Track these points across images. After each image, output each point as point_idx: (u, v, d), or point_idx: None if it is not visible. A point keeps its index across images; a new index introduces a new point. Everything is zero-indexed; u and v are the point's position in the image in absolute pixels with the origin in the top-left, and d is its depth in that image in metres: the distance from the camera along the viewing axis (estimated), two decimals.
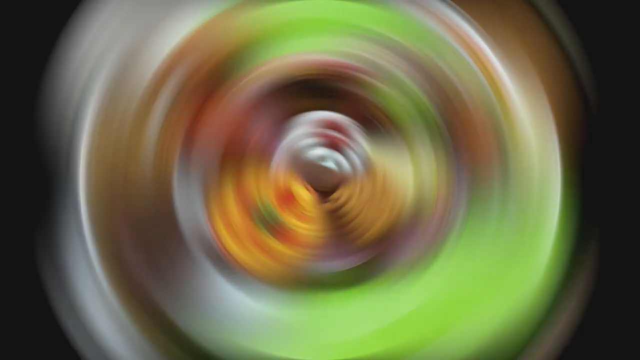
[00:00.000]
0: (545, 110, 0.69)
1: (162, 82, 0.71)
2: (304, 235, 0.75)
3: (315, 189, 0.76)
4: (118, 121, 0.70)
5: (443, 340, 0.69)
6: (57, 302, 0.68)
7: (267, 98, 0.73)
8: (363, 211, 0.75)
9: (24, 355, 0.70)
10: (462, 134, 0.71)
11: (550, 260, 0.68)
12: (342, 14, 0.72)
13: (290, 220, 0.75)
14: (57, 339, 0.68)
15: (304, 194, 0.76)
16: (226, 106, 0.73)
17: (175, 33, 0.70)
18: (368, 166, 0.75)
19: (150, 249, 0.70)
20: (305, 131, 0.75)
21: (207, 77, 0.72)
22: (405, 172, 0.74)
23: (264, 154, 0.75)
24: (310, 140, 0.76)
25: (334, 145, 0.76)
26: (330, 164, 0.76)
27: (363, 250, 0.74)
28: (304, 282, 0.73)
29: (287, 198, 0.75)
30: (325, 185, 0.76)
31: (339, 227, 0.75)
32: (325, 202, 0.76)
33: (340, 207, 0.75)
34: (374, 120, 0.74)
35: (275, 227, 0.75)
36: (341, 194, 0.75)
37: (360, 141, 0.75)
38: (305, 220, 0.75)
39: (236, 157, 0.74)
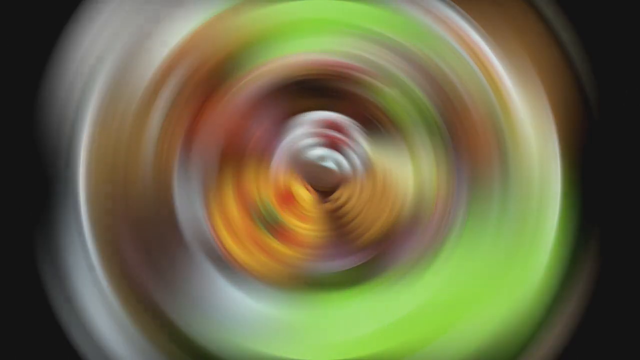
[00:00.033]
0: (545, 110, 0.69)
1: (162, 82, 0.71)
2: (304, 235, 0.75)
3: (315, 189, 0.76)
4: (118, 121, 0.70)
5: (443, 340, 0.69)
6: (57, 302, 0.68)
7: (267, 98, 0.73)
8: (363, 211, 0.75)
9: (24, 355, 0.70)
10: (462, 134, 0.71)
11: (550, 260, 0.68)
12: (342, 14, 0.72)
13: (290, 220, 0.75)
14: (57, 339, 0.68)
15: (304, 194, 0.76)
16: (226, 106, 0.73)
17: (175, 33, 0.70)
18: (368, 166, 0.75)
19: (150, 249, 0.70)
20: (305, 131, 0.75)
21: (207, 77, 0.72)
22: (405, 172, 0.74)
23: (264, 154, 0.75)
24: (310, 140, 0.76)
25: (334, 145, 0.76)
26: (330, 164, 0.76)
27: (363, 250, 0.74)
28: (304, 282, 0.73)
29: (287, 198, 0.75)
30: (325, 185, 0.76)
31: (339, 227, 0.75)
32: (325, 202, 0.76)
33: (340, 207, 0.75)
34: (374, 120, 0.74)
35: (275, 227, 0.75)
36: (341, 194, 0.75)
37: (360, 141, 0.75)
38: (305, 220, 0.75)
39: (236, 157, 0.74)
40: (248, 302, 0.71)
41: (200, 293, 0.70)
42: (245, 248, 0.73)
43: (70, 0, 0.69)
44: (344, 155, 0.76)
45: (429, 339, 0.69)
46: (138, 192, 0.70)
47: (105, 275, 0.69)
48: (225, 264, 0.72)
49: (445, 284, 0.70)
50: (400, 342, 0.69)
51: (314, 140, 0.76)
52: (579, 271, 0.68)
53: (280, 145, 0.75)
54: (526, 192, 0.69)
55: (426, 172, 0.73)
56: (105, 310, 0.68)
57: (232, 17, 0.71)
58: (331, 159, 0.76)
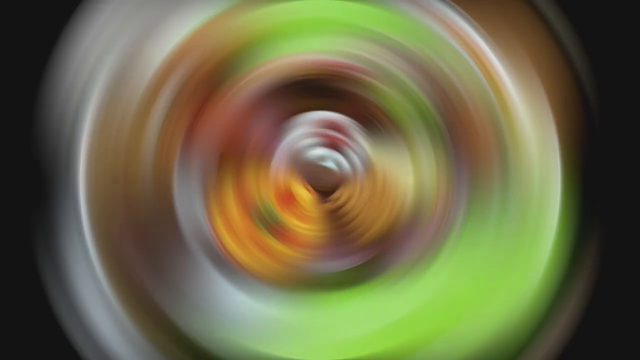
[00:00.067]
0: (545, 110, 0.69)
1: (162, 82, 0.71)
2: (304, 235, 0.75)
3: (315, 189, 0.76)
4: (118, 121, 0.70)
5: (443, 340, 0.69)
6: (57, 302, 0.68)
7: (267, 98, 0.73)
8: (363, 211, 0.75)
9: (24, 355, 0.70)
10: (462, 134, 0.71)
11: (550, 260, 0.68)
12: (342, 14, 0.72)
13: (290, 220, 0.75)
14: (57, 339, 0.68)
15: (304, 194, 0.76)
16: (226, 106, 0.73)
17: (175, 33, 0.70)
18: (368, 166, 0.75)
19: (150, 249, 0.70)
20: (305, 131, 0.75)
21: (207, 77, 0.72)
22: (405, 172, 0.74)
23: (264, 154, 0.75)
24: (310, 140, 0.76)
25: (334, 145, 0.76)
26: (330, 164, 0.76)
27: (363, 250, 0.74)
28: (304, 282, 0.73)
29: (287, 198, 0.75)
30: (325, 185, 0.76)
31: (339, 227, 0.75)
32: (325, 202, 0.76)
33: (340, 207, 0.75)
34: (374, 120, 0.74)
35: (275, 227, 0.75)
36: (341, 194, 0.75)
37: (360, 141, 0.75)
38: (305, 220, 0.75)
39: (236, 157, 0.74)
40: (248, 302, 0.71)
41: (200, 293, 0.70)
42: (245, 248, 0.73)
43: (70, 0, 0.69)
44: (344, 155, 0.76)
45: (429, 339, 0.69)
46: (138, 192, 0.70)
47: (105, 275, 0.69)
48: (225, 264, 0.72)
49: (445, 284, 0.70)
50: (400, 342, 0.69)
51: (314, 140, 0.76)
52: (579, 271, 0.68)
53: (280, 145, 0.75)
54: (526, 192, 0.69)
55: (426, 172, 0.73)
56: (105, 310, 0.68)
57: (232, 17, 0.71)
58: (331, 159, 0.76)
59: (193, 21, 0.71)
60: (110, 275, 0.69)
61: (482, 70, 0.70)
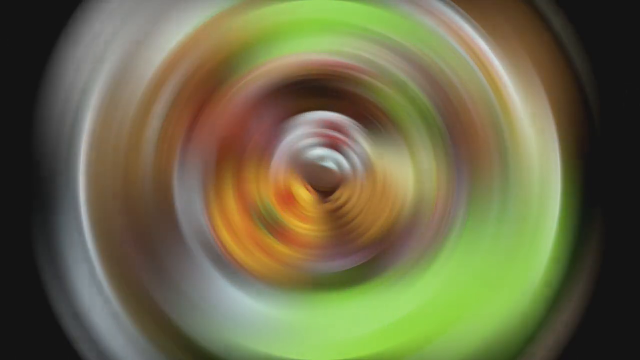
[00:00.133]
0: (545, 110, 0.69)
1: (162, 82, 0.71)
2: (304, 235, 0.75)
3: (315, 189, 0.76)
4: (118, 121, 0.70)
5: (443, 340, 0.69)
6: (57, 302, 0.68)
7: (267, 98, 0.73)
8: (363, 211, 0.75)
9: (24, 355, 0.70)
10: (462, 134, 0.71)
11: (550, 260, 0.68)
12: (342, 14, 0.72)
13: (290, 220, 0.75)
14: (57, 339, 0.68)
15: (304, 194, 0.76)
16: (226, 106, 0.73)
17: (175, 33, 0.70)
18: (368, 166, 0.75)
19: (150, 249, 0.70)
20: (305, 131, 0.75)
21: (207, 77, 0.72)
22: (405, 172, 0.74)
23: (264, 154, 0.75)
24: (310, 140, 0.76)
25: (334, 145, 0.76)
26: (330, 164, 0.76)
27: (363, 250, 0.74)
28: (304, 282, 0.73)
29: (287, 198, 0.75)
30: (325, 185, 0.76)
31: (339, 227, 0.75)
32: (325, 202, 0.76)
33: (340, 207, 0.75)
34: (374, 120, 0.74)
35: (275, 227, 0.75)
36: (341, 194, 0.75)
37: (360, 141, 0.75)
38: (305, 220, 0.75)
39: (236, 157, 0.74)
40: (248, 302, 0.71)
41: (200, 293, 0.70)
42: (245, 248, 0.73)
43: (70, 0, 0.69)
44: (344, 155, 0.76)
45: (429, 339, 0.69)
46: (138, 192, 0.70)
47: (105, 275, 0.69)
48: (225, 264, 0.72)
49: (445, 284, 0.70)
50: (400, 342, 0.69)
51: (314, 140, 0.76)
52: (579, 271, 0.68)
53: (280, 145, 0.75)
54: (526, 192, 0.69)
55: (426, 172, 0.73)
56: (106, 311, 0.68)
57: (232, 17, 0.71)
58: (331, 159, 0.76)
59: (193, 21, 0.71)
60: (110, 275, 0.69)
61: (482, 70, 0.70)
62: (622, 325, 0.69)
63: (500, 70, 0.70)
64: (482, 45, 0.70)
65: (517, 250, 0.69)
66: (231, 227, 0.73)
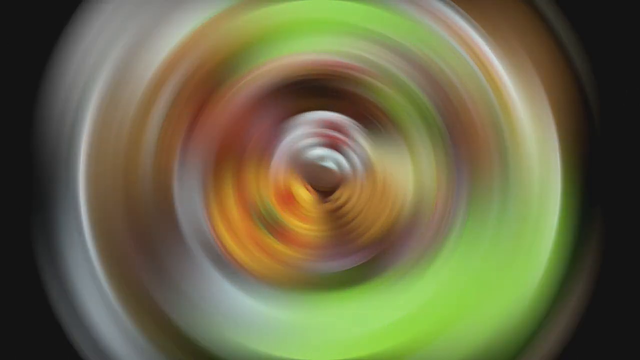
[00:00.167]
0: (545, 110, 0.69)
1: (162, 82, 0.71)
2: (304, 235, 0.75)
3: (315, 189, 0.76)
4: (118, 121, 0.70)
5: (443, 340, 0.69)
6: (57, 302, 0.68)
7: (267, 98, 0.73)
8: (363, 211, 0.75)
9: (24, 355, 0.70)
10: (462, 134, 0.71)
11: (550, 260, 0.68)
12: (342, 14, 0.72)
13: (290, 220, 0.75)
14: (57, 339, 0.68)
15: (304, 194, 0.76)
16: (226, 106, 0.73)
17: (175, 33, 0.70)
18: (368, 166, 0.75)
19: (150, 249, 0.70)
20: (305, 131, 0.75)
21: (207, 77, 0.72)
22: (405, 172, 0.74)
23: (264, 154, 0.75)
24: (310, 140, 0.76)
25: (334, 145, 0.76)
26: (330, 164, 0.76)
27: (363, 250, 0.74)
28: (304, 282, 0.73)
29: (287, 198, 0.75)
30: (325, 185, 0.76)
31: (339, 227, 0.75)
32: (325, 202, 0.76)
33: (340, 207, 0.75)
34: (374, 120, 0.74)
35: (275, 227, 0.75)
36: (341, 194, 0.75)
37: (360, 141, 0.75)
38: (305, 220, 0.75)
39: (236, 157, 0.74)
40: (248, 302, 0.71)
41: (200, 293, 0.70)
42: (245, 248, 0.73)
43: (70, 0, 0.69)
44: (344, 155, 0.76)
45: (429, 339, 0.69)
46: (138, 192, 0.70)
47: (105, 275, 0.69)
48: (225, 264, 0.72)
49: (445, 284, 0.70)
50: (400, 342, 0.69)
51: (314, 140, 0.76)
52: (579, 271, 0.68)
53: (280, 145, 0.75)
54: (526, 192, 0.69)
55: (426, 172, 0.73)
56: (105, 310, 0.68)
57: (232, 17, 0.71)
58: (331, 159, 0.76)
59: (193, 21, 0.71)
60: (110, 275, 0.69)
61: (482, 70, 0.70)
62: (622, 325, 0.69)
63: (500, 70, 0.70)
64: (482, 45, 0.70)
65: (517, 250, 0.69)
66: (231, 227, 0.73)
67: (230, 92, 0.73)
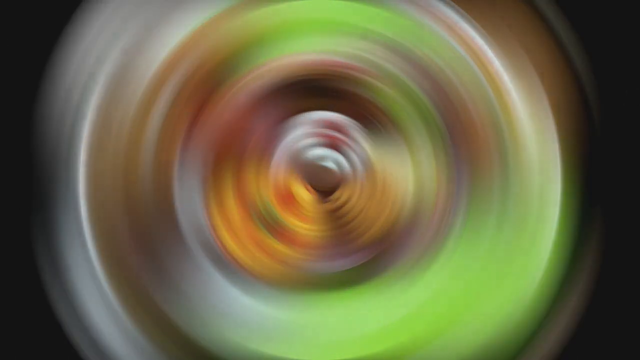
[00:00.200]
0: (545, 110, 0.69)
1: (162, 82, 0.71)
2: (304, 235, 0.75)
3: (315, 189, 0.76)
4: (118, 121, 0.70)
5: (443, 340, 0.69)
6: (57, 302, 0.68)
7: (267, 98, 0.73)
8: (363, 211, 0.75)
9: (24, 355, 0.70)
10: (462, 134, 0.71)
11: (551, 259, 0.68)
12: (342, 14, 0.72)
13: (290, 220, 0.75)
14: (57, 339, 0.68)
15: (304, 194, 0.76)
16: (226, 106, 0.73)
17: (175, 33, 0.70)
18: (368, 166, 0.75)
19: (150, 249, 0.70)
20: (305, 131, 0.76)
21: (207, 77, 0.72)
22: (405, 172, 0.74)
23: (264, 154, 0.75)
24: (310, 140, 0.76)
25: (334, 145, 0.76)
26: (330, 164, 0.76)
27: (363, 250, 0.74)
28: (304, 282, 0.73)
29: (287, 198, 0.75)
30: (325, 185, 0.76)
31: (339, 227, 0.75)
32: (325, 202, 0.76)
33: (340, 207, 0.75)
34: (374, 120, 0.74)
35: (275, 227, 0.75)
36: (341, 194, 0.75)
37: (360, 141, 0.75)
38: (305, 220, 0.75)
39: (236, 157, 0.74)
40: (248, 302, 0.71)
41: (200, 293, 0.70)
42: (245, 248, 0.73)
43: (70, 0, 0.69)
44: (344, 155, 0.76)
45: (429, 338, 0.69)
46: (138, 192, 0.70)
47: (105, 276, 0.69)
48: (225, 264, 0.72)
49: (446, 284, 0.70)
50: (401, 342, 0.69)
51: (314, 140, 0.76)
52: (579, 271, 0.68)
53: (280, 145, 0.75)
54: (526, 192, 0.69)
55: (426, 172, 0.73)
56: (105, 310, 0.68)
57: (232, 17, 0.71)
58: (331, 159, 0.76)
59: (193, 21, 0.71)
60: (110, 275, 0.69)
61: (482, 70, 0.70)
62: (622, 325, 0.69)
63: (500, 70, 0.70)
64: (482, 45, 0.70)
65: (517, 250, 0.69)
66: (231, 227, 0.73)
67: (230, 92, 0.73)
